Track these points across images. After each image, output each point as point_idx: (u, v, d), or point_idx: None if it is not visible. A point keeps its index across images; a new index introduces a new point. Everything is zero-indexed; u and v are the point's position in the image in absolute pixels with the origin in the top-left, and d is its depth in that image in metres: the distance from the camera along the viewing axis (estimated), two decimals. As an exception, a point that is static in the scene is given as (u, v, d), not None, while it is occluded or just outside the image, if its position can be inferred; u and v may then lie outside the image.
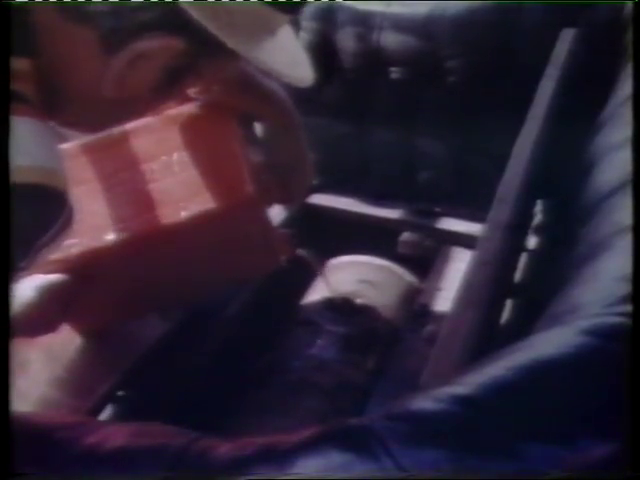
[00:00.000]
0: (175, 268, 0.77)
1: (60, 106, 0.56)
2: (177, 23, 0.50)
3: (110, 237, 0.72)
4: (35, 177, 0.47)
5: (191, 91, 0.73)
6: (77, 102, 0.57)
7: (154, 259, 0.76)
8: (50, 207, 0.50)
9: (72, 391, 0.79)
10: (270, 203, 0.83)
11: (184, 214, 0.72)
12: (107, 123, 0.66)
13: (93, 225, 0.72)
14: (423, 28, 1.16)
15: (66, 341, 0.82)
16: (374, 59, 1.21)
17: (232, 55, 0.54)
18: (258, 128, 0.82)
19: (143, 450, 0.43)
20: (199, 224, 0.73)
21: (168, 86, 0.58)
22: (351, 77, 1.24)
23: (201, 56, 0.56)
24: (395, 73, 1.22)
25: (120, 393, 0.84)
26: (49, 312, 0.69)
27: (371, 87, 1.25)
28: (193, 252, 0.77)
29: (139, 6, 0.51)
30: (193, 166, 0.75)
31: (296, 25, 0.65)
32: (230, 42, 0.51)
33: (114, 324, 0.85)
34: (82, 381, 0.80)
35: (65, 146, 0.73)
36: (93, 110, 0.59)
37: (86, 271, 0.71)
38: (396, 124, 1.27)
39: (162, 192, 0.74)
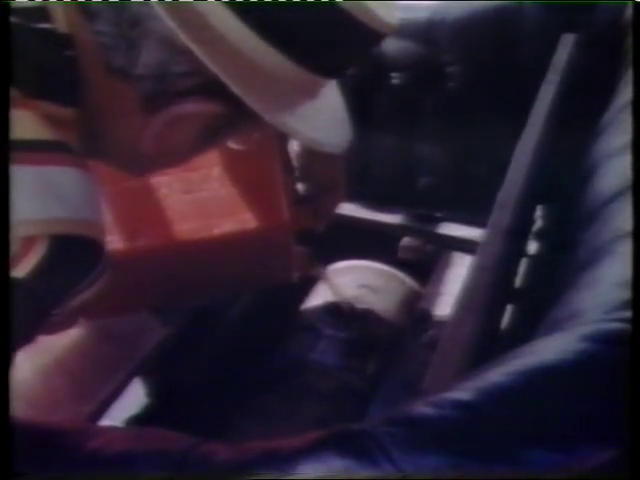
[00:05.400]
0: (192, 274, 0.78)
1: (101, 151, 0.57)
2: (218, 90, 0.51)
3: (139, 241, 0.72)
4: (76, 229, 0.47)
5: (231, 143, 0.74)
6: (117, 151, 0.59)
7: (175, 265, 0.76)
8: (88, 258, 0.50)
9: (73, 394, 0.79)
10: (299, 227, 0.83)
11: (216, 231, 0.73)
12: (146, 171, 0.67)
13: (124, 226, 0.72)
14: (423, 34, 1.16)
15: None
16: (374, 65, 1.21)
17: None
18: (294, 151, 0.81)
19: (144, 455, 0.43)
20: (228, 242, 0.74)
21: (206, 143, 0.60)
22: (351, 83, 1.24)
23: (240, 118, 0.56)
24: (395, 78, 1.22)
25: (121, 397, 0.84)
26: (69, 310, 0.70)
27: (371, 92, 1.25)
28: (215, 263, 0.78)
29: (183, 73, 0.52)
30: (231, 184, 0.75)
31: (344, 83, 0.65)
32: (266, 116, 0.52)
33: (122, 316, 0.85)
34: (83, 384, 0.80)
35: None
36: (132, 159, 0.60)
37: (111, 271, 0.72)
38: (396, 129, 1.27)
39: (198, 204, 0.74)
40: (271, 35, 0.51)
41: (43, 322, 0.49)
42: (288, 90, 0.54)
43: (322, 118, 0.59)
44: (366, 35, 0.53)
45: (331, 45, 0.53)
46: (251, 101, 0.50)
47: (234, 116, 0.56)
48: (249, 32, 0.50)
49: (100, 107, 0.54)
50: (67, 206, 0.47)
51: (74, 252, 0.48)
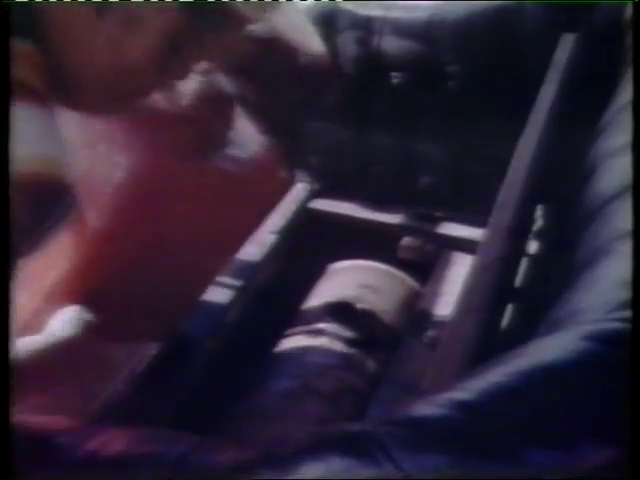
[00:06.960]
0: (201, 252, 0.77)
1: (62, 88, 0.55)
2: None
3: (134, 239, 0.73)
4: (36, 166, 0.47)
5: (196, 69, 0.70)
6: (79, 82, 0.57)
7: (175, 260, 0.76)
8: (51, 195, 0.49)
9: (74, 394, 0.79)
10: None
11: None
12: (111, 104, 0.63)
13: (120, 228, 0.73)
14: (424, 33, 1.16)
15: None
16: (375, 64, 1.21)
17: (236, 30, 0.53)
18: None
19: (143, 455, 0.43)
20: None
21: (170, 60, 0.57)
22: (351, 82, 1.24)
23: (204, 31, 0.55)
24: (395, 78, 1.22)
25: (120, 398, 0.84)
26: (85, 344, 0.70)
27: (371, 92, 1.25)
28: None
29: None
30: None
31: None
32: (247, 11, 0.51)
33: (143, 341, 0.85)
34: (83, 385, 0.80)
35: None
36: (96, 89, 0.58)
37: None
38: (396, 129, 1.27)
39: None
40: None
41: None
42: None
43: (297, 27, 0.59)
44: None
45: None
46: None
47: (199, 28, 0.54)
48: None
49: (56, 35, 0.53)
50: (27, 143, 0.46)
51: (36, 190, 0.47)
